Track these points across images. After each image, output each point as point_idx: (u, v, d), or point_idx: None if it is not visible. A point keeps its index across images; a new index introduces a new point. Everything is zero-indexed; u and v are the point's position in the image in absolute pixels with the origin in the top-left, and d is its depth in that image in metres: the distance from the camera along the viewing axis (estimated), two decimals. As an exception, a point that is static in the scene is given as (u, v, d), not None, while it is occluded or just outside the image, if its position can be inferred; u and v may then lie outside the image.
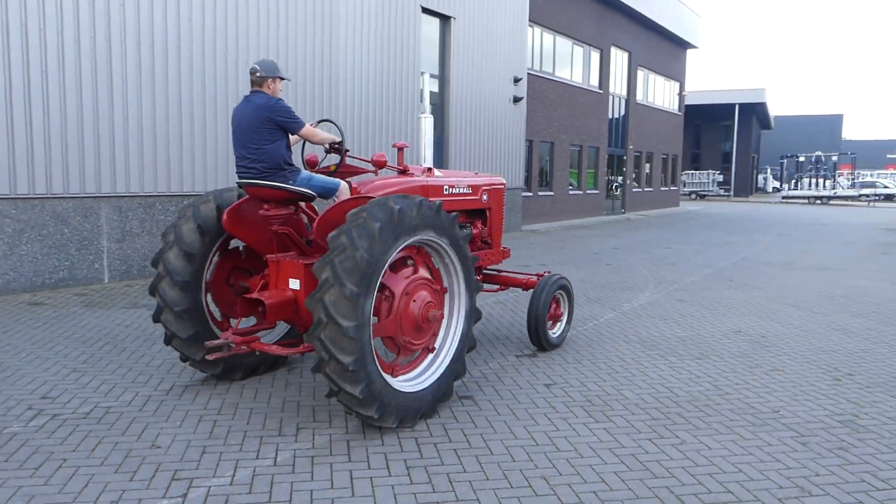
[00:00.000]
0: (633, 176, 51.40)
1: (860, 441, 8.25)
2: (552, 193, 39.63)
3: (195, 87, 18.25)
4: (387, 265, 8.06)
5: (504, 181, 12.28)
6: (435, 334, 9.09)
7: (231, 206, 9.39)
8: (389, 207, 8.17)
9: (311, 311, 7.84)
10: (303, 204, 9.82)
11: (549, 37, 39.04)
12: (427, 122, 11.86)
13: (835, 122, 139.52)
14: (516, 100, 31.55)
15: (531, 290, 12.94)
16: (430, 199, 9.79)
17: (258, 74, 9.15)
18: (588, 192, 44.17)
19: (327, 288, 7.73)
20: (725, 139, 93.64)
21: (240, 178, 9.05)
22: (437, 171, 11.17)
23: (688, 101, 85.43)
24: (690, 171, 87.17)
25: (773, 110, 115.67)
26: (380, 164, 10.08)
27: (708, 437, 8.23)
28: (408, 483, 7.05)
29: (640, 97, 51.45)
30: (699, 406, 9.22)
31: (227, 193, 9.70)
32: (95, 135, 16.50)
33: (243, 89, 18.86)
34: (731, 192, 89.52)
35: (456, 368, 9.10)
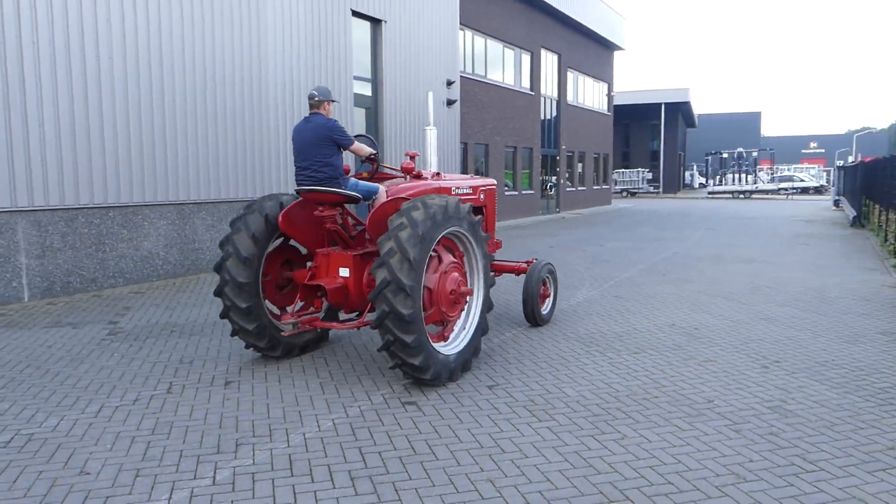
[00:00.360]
0: (567, 175, 51.81)
1: (789, 426, 8.50)
2: (487, 195, 39.73)
3: (117, 92, 17.55)
4: (434, 242, 10.03)
5: (495, 182, 14.37)
6: (463, 306, 10.99)
7: (284, 210, 11.25)
8: (435, 202, 10.28)
9: (374, 276, 9.66)
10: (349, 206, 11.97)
11: (480, 40, 39.26)
12: (432, 134, 13.62)
13: (754, 119, 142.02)
14: (449, 102, 31.68)
15: (523, 276, 15.42)
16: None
17: (316, 99, 11.13)
18: (523, 192, 44.45)
19: (392, 254, 9.63)
20: (653, 138, 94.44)
21: (301, 185, 11.04)
22: (444, 175, 13.03)
23: (616, 102, 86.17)
24: (621, 170, 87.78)
25: (697, 109, 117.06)
26: (409, 170, 12.27)
27: (647, 431, 8.36)
28: (353, 495, 6.95)
29: (570, 98, 51.89)
30: (638, 400, 9.37)
31: (269, 202, 11.38)
32: (8, 146, 15.70)
33: (168, 94, 18.55)
34: (660, 189, 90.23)
35: (482, 326, 11.11)
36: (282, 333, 11.52)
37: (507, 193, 41.93)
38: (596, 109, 57.36)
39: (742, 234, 32.16)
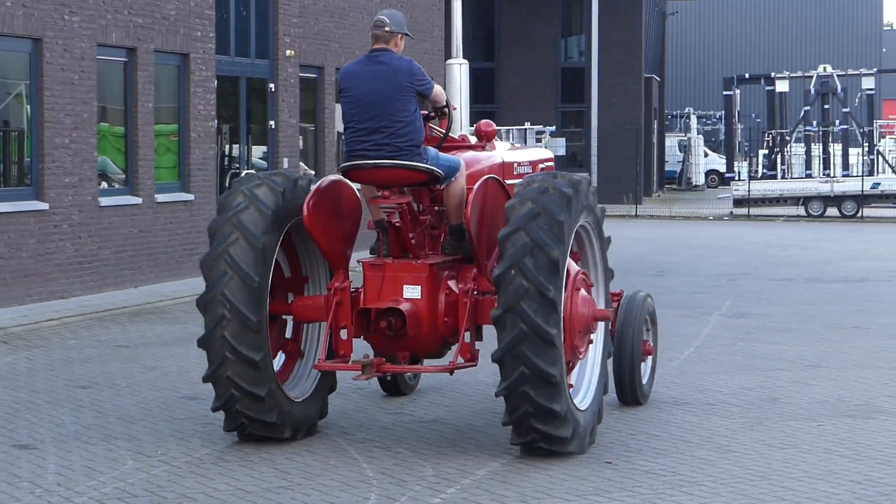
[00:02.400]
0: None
1: None
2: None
3: None
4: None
5: (552, 155, 11.05)
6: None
7: (313, 196, 8.15)
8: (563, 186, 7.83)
9: (497, 323, 7.57)
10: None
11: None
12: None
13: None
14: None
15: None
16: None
17: (387, 29, 8.14)
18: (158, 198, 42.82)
19: (522, 294, 7.44)
20: (564, 39, 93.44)
21: (359, 158, 8.11)
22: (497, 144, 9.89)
23: None
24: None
25: None
26: (490, 135, 9.41)
27: None
28: None
29: None
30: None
31: (278, 178, 8.35)
32: None
33: None
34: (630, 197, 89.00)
35: (604, 380, 8.63)
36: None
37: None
38: None
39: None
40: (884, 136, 53.42)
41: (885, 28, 79.33)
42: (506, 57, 45.25)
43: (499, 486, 7.39)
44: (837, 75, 39.69)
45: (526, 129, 39.10)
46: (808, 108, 39.71)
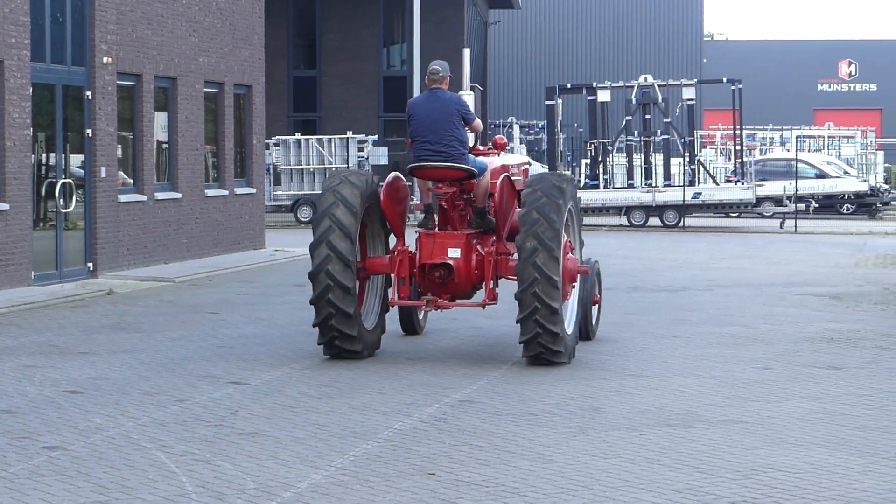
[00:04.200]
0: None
1: None
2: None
3: None
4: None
5: (529, 159, 17.64)
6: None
7: (388, 186, 12.55)
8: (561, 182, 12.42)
9: (518, 275, 11.89)
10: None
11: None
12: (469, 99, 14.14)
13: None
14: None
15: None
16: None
17: (440, 74, 12.64)
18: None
19: (536, 253, 11.67)
20: (385, 39, 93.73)
21: (424, 161, 12.33)
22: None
23: None
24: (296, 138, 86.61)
25: None
26: (503, 146, 14.00)
27: None
28: None
29: None
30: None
31: (354, 176, 12.44)
32: None
33: None
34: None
35: (579, 315, 13.16)
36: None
37: None
38: None
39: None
40: (704, 147, 55.23)
41: (705, 39, 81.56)
42: (328, 65, 45.22)
43: (321, 498, 7.39)
44: (658, 85, 40.47)
45: (348, 138, 39.18)
46: (629, 118, 40.45)
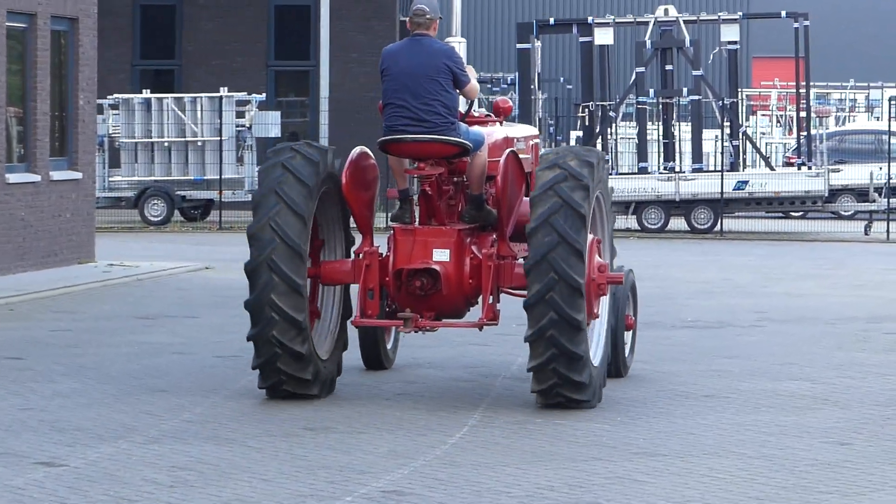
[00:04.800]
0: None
1: None
2: None
3: None
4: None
5: (538, 132, 18.24)
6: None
7: (349, 165, 13.36)
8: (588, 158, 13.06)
9: (528, 277, 12.58)
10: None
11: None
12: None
13: None
14: None
15: None
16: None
17: (427, 16, 13.11)
18: None
19: (554, 246, 12.34)
20: None
21: (400, 132, 13.02)
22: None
23: None
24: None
25: None
26: (506, 112, 14.97)
27: None
28: None
29: None
30: None
31: (310, 149, 13.33)
32: None
33: None
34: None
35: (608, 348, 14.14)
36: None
37: None
38: None
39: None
40: (754, 113, 55.61)
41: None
42: (191, -11, 45.32)
43: None
44: (685, 21, 40.85)
45: (221, 97, 39.21)
46: (641, 69, 40.82)
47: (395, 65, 13.05)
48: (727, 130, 40.84)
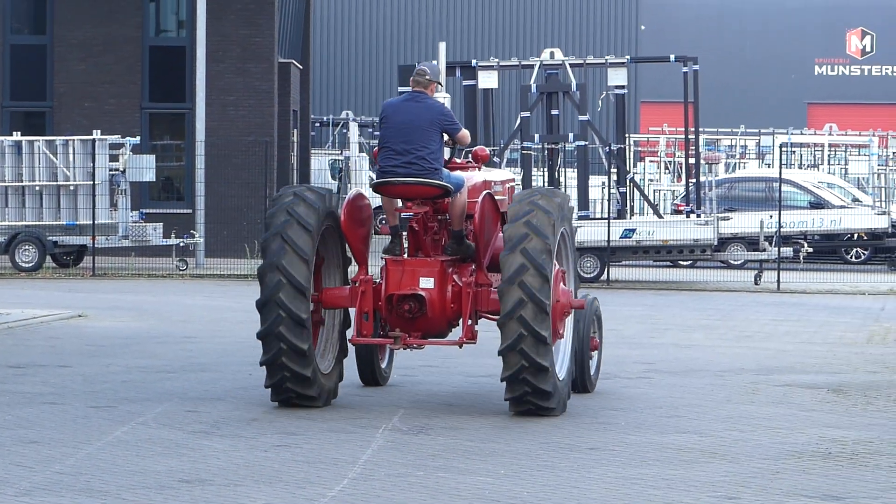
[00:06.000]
0: None
1: None
2: None
3: None
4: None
5: (514, 177, 21.04)
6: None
7: (348, 205, 15.98)
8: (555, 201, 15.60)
9: (501, 295, 15.06)
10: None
11: None
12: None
13: None
14: None
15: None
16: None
17: (427, 77, 15.88)
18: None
19: (524, 271, 14.78)
20: None
21: (390, 175, 15.63)
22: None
23: None
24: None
25: None
26: (484, 159, 17.62)
27: None
28: None
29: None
30: None
31: (309, 193, 15.80)
32: None
33: None
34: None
35: (579, 348, 17.10)
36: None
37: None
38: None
39: None
40: (642, 159, 55.97)
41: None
42: (63, 29, 45.09)
43: None
44: (572, 65, 41.05)
45: (94, 140, 38.99)
46: (526, 114, 40.92)
47: (393, 115, 15.72)
48: (614, 177, 41.14)
